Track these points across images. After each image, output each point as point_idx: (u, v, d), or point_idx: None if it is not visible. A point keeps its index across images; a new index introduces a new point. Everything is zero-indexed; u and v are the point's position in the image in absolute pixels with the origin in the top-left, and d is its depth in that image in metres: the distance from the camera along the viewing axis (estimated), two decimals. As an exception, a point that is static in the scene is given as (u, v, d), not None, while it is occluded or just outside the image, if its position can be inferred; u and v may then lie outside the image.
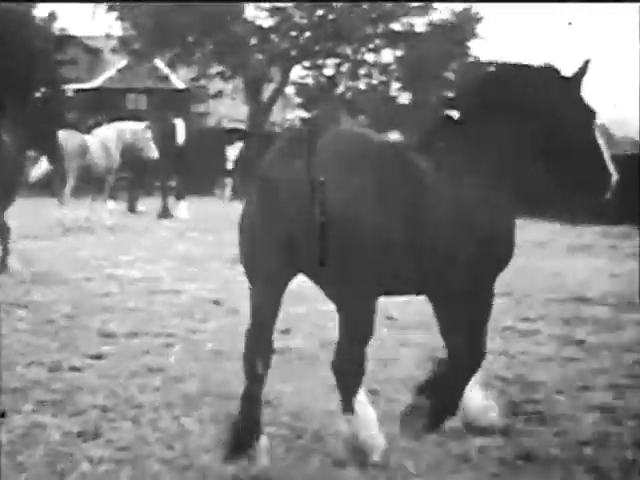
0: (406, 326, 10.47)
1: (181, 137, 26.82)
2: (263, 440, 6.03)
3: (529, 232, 22.58)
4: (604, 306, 12.34)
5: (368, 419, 6.01)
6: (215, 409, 7.14)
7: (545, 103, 6.58)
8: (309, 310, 11.11)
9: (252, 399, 6.02)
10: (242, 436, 5.99)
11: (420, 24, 43.69)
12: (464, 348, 6.45)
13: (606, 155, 6.69)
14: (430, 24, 43.41)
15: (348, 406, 6.00)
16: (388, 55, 44.86)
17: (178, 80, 49.33)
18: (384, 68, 44.81)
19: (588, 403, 7.64)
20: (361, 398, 6.00)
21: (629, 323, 11.12)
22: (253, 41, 42.91)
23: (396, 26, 43.49)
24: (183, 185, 26.74)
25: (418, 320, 9.70)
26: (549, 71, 6.74)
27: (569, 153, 6.58)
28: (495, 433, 6.71)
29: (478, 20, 43.89)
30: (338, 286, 5.88)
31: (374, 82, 45.16)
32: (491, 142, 6.46)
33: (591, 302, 12.64)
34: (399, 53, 44.23)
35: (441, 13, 43.50)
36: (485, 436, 6.64)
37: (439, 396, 6.51)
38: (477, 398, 6.81)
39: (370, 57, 45.00)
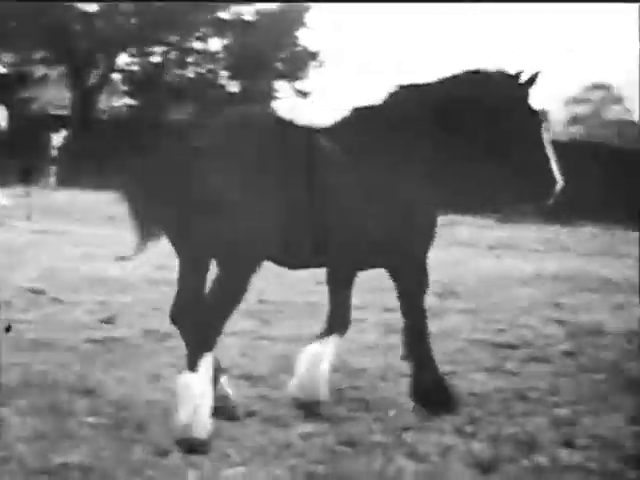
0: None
1: (3, 123, 26.08)
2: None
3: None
4: (427, 294, 12.54)
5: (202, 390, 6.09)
6: (35, 400, 6.95)
7: (489, 105, 6.85)
8: (134, 299, 10.96)
9: None
10: None
11: (248, 13, 43.60)
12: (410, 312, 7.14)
13: (552, 161, 6.90)
14: (258, 13, 43.38)
15: (193, 365, 6.07)
16: (216, 43, 44.64)
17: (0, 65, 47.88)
18: (212, 56, 44.57)
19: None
20: (206, 366, 6.09)
21: (451, 311, 11.37)
22: (77, 27, 41.99)
23: (224, 14, 43.29)
24: (3, 171, 26.01)
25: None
26: (499, 75, 6.97)
27: (514, 156, 6.82)
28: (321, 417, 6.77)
29: (306, 9, 44.09)
30: (222, 252, 6.21)
31: (202, 70, 44.87)
32: (424, 137, 6.87)
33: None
34: (227, 41, 44.07)
35: (269, 2, 43.55)
36: (309, 423, 6.69)
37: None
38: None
39: (198, 45, 44.68)
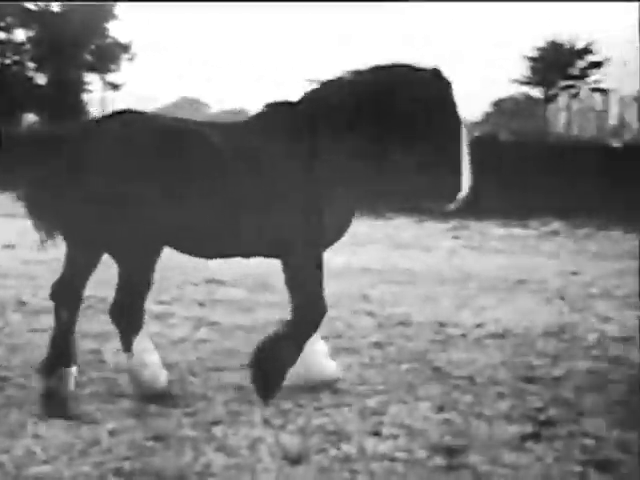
0: (38, 310, 10.20)
1: None
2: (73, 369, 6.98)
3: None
4: (238, 288, 12.58)
5: (148, 357, 7.09)
6: None
7: (406, 101, 6.86)
8: None
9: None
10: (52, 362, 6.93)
11: (55, 3, 42.67)
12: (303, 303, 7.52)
13: (465, 168, 6.79)
14: (66, 4, 42.49)
15: (127, 347, 7.12)
16: (22, 34, 43.50)
17: None
18: (17, 47, 43.39)
19: (220, 383, 7.74)
20: (141, 340, 7.10)
21: (262, 304, 11.38)
22: None
23: (30, 5, 42.22)
24: None
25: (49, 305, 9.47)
26: (427, 73, 6.87)
27: (426, 155, 6.75)
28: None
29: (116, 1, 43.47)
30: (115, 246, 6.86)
31: (7, 61, 43.65)
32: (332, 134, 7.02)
33: (226, 284, 12.84)
34: (33, 32, 43.00)
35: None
36: (116, 420, 6.59)
37: (271, 361, 7.14)
38: (320, 354, 7.68)
39: (2, 35, 43.42)
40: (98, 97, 45.71)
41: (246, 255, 7.57)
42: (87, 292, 7.21)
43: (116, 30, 46.85)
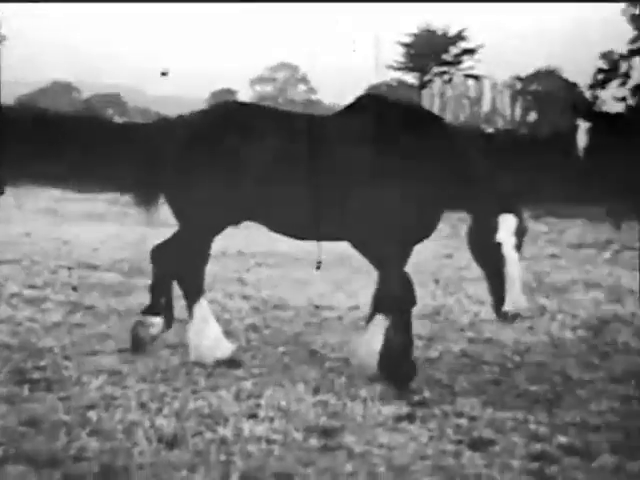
0: None
1: None
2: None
3: (40, 200, 22.31)
4: (113, 272, 12.45)
5: (207, 325, 7.93)
6: None
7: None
8: None
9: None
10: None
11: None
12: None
13: None
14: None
15: (190, 313, 7.96)
16: None
17: None
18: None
19: (95, 367, 7.65)
20: (203, 307, 7.98)
21: (137, 288, 11.28)
22: None
23: None
24: None
25: None
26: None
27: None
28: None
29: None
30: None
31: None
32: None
33: (100, 268, 12.70)
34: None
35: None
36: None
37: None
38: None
39: None
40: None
41: (331, 239, 7.95)
42: None
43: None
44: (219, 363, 7.85)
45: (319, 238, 7.85)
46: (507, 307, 7.02)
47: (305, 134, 7.66)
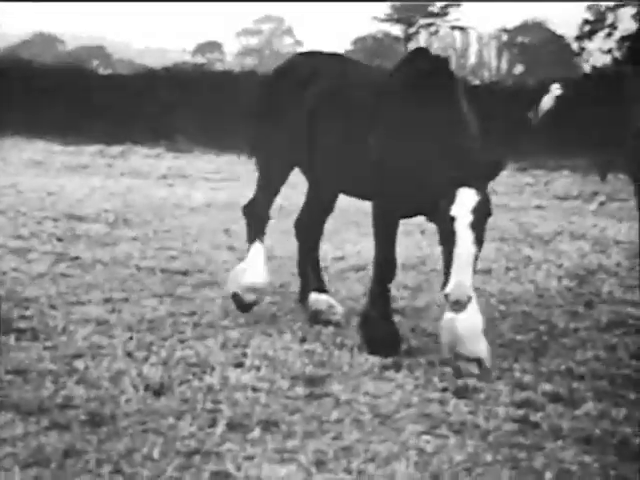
0: None
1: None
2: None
3: (25, 152, 22.22)
4: (98, 223, 12.42)
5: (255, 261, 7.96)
6: None
7: None
8: None
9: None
10: None
11: None
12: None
13: None
14: None
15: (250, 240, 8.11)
16: None
17: None
18: None
19: (82, 317, 7.66)
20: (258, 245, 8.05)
21: (122, 239, 11.28)
22: None
23: None
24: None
25: None
26: None
27: None
28: None
29: None
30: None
31: None
32: None
33: (85, 220, 12.67)
34: None
35: None
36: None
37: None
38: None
39: None
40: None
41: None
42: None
43: None
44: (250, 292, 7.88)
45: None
46: (448, 290, 6.33)
47: (369, 85, 7.52)
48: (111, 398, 5.82)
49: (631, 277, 10.12)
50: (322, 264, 10.08)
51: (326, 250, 10.95)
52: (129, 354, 6.72)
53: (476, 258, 6.47)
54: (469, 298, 6.33)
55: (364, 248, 11.05)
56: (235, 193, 15.71)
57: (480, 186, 6.49)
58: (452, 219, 6.40)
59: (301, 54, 8.63)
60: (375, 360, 6.83)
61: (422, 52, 7.61)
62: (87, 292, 8.54)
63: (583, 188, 18.45)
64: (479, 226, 6.42)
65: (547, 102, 21.14)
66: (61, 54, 67.38)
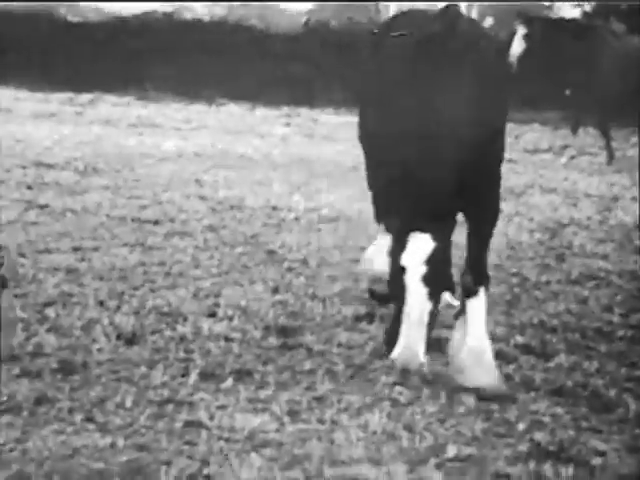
0: None
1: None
2: None
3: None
4: (68, 171, 12.30)
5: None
6: None
7: None
8: None
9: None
10: None
11: None
12: None
13: None
14: None
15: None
16: None
17: None
18: None
19: (51, 265, 7.60)
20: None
21: (92, 187, 11.18)
22: None
23: None
24: None
25: None
26: None
27: None
28: None
29: None
30: None
31: None
32: None
33: (55, 167, 12.54)
34: None
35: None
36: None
37: None
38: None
39: None
40: None
41: None
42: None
43: None
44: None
45: None
46: (394, 355, 5.21)
47: None
48: (83, 347, 5.80)
49: (602, 230, 10.16)
50: (294, 215, 10.09)
51: (298, 201, 10.91)
52: (100, 303, 6.68)
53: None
54: (421, 365, 5.22)
55: (337, 199, 11.03)
56: (205, 143, 15.61)
57: (440, 229, 5.33)
58: (402, 269, 5.26)
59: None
60: (348, 311, 6.83)
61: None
62: (57, 240, 8.47)
63: (553, 142, 18.45)
64: (435, 278, 5.24)
65: (517, 46, 21.02)
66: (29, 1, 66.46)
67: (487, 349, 5.58)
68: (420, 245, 5.22)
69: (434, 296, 5.25)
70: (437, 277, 5.24)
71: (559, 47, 19.08)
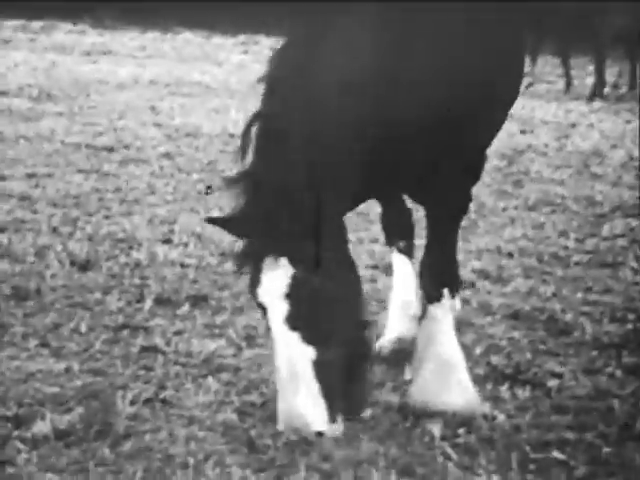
0: None
1: None
2: None
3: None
4: (21, 98, 12.12)
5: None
6: None
7: None
8: None
9: None
10: None
11: None
12: None
13: None
14: None
15: None
16: None
17: None
18: None
19: (4, 192, 7.51)
20: None
21: (47, 114, 11.03)
22: None
23: None
24: None
25: None
26: None
27: None
28: None
29: None
30: None
31: None
32: None
33: (8, 94, 12.35)
34: None
35: None
36: None
37: None
38: None
39: None
40: None
41: None
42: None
43: None
44: None
45: None
46: (278, 421, 3.91)
47: None
48: (36, 273, 5.72)
49: (559, 157, 10.16)
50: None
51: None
52: (54, 229, 6.61)
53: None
54: (319, 435, 3.84)
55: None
56: (161, 70, 15.42)
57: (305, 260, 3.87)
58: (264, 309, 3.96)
59: None
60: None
61: None
62: (10, 167, 8.35)
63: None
64: (299, 318, 3.84)
65: None
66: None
67: (459, 363, 4.40)
68: (279, 276, 3.87)
69: (311, 340, 3.83)
70: (309, 316, 3.84)
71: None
